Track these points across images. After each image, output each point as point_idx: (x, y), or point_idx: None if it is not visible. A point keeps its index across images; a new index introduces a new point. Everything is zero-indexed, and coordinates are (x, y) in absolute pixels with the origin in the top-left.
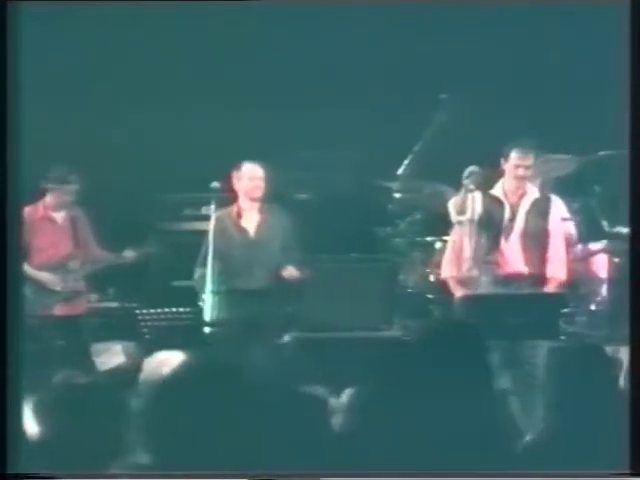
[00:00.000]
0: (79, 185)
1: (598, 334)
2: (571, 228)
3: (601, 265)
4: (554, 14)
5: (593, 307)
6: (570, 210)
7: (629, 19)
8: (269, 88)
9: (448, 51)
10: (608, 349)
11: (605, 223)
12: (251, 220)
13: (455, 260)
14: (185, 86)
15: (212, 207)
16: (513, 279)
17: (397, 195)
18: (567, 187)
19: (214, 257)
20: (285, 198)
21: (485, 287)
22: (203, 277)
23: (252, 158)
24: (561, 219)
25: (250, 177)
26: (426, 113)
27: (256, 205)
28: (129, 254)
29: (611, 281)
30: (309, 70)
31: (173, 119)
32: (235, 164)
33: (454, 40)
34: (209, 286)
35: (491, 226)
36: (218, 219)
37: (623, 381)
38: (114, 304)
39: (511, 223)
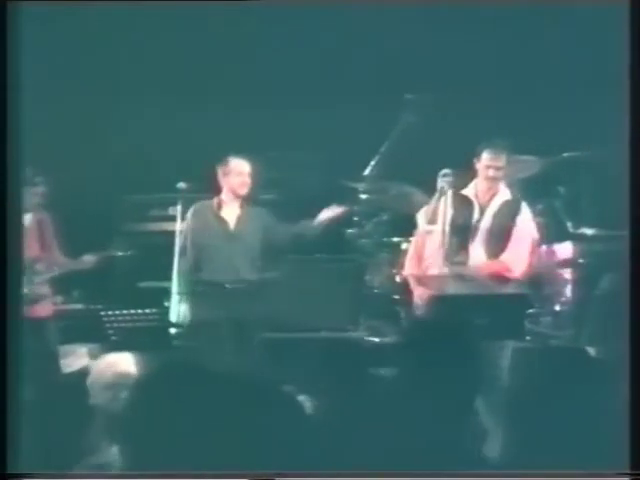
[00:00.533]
0: (45, 187)
1: (563, 334)
2: (536, 229)
3: (565, 266)
4: (539, 14)
5: (558, 308)
6: (535, 211)
7: (628, 19)
8: (235, 89)
9: (418, 51)
10: (572, 349)
11: (570, 224)
12: (232, 214)
13: (417, 260)
14: (154, 86)
15: (179, 207)
16: (478, 279)
17: (363, 196)
18: (532, 188)
19: (192, 251)
20: (252, 198)
21: (450, 287)
22: (179, 272)
23: (218, 158)
24: (530, 222)
25: (238, 172)
26: (393, 113)
27: (238, 201)
28: (93, 257)
29: (575, 282)
30: (276, 70)
31: (142, 119)
32: (222, 159)
33: (425, 39)
34: (176, 286)
35: (460, 226)
36: (196, 213)
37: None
38: (79, 306)
39: (479, 223)
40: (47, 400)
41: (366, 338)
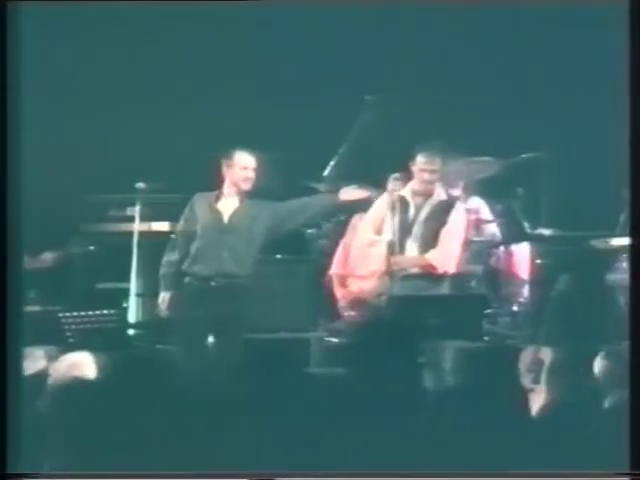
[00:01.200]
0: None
1: (520, 334)
2: (492, 229)
3: (523, 266)
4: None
5: (515, 308)
6: (493, 212)
7: (628, 19)
8: (196, 88)
9: (379, 51)
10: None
11: (527, 225)
12: (229, 207)
13: (344, 260)
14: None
15: (137, 208)
16: (413, 279)
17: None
18: (490, 189)
19: (185, 243)
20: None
21: (388, 287)
22: (171, 264)
23: (177, 159)
24: (460, 221)
25: (243, 166)
26: (353, 114)
27: (238, 196)
28: (50, 256)
29: (533, 282)
30: (237, 71)
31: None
32: (226, 152)
33: (387, 40)
34: (134, 287)
35: (396, 228)
36: (193, 205)
37: (543, 380)
38: (36, 308)
39: (413, 224)
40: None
41: (326, 339)
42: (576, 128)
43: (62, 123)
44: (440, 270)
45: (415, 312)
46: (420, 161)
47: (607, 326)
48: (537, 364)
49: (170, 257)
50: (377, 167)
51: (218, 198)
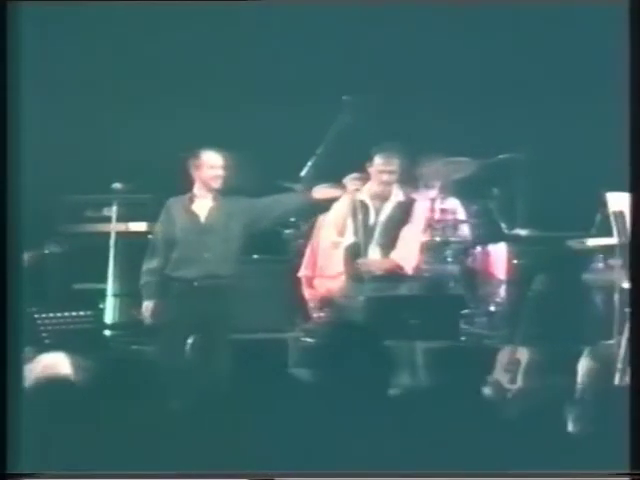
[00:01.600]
0: None
1: (497, 334)
2: (469, 230)
3: (500, 266)
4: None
5: (492, 308)
6: (469, 212)
7: (628, 19)
8: (171, 88)
9: (356, 51)
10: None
11: (504, 225)
12: (204, 207)
13: (312, 261)
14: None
15: (114, 208)
16: (377, 280)
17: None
18: (467, 189)
19: (164, 249)
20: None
21: (352, 288)
22: (151, 272)
23: (157, 158)
24: (420, 220)
25: (211, 165)
26: (331, 114)
27: (211, 195)
28: (27, 256)
29: (510, 282)
30: (214, 71)
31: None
32: (194, 152)
33: (366, 39)
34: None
35: (357, 229)
36: (168, 210)
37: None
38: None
39: (374, 225)
40: None
41: (301, 339)
42: (553, 129)
43: (55, 123)
44: (406, 269)
45: (392, 313)
46: (378, 162)
47: (583, 326)
48: (514, 364)
49: (150, 265)
50: (352, 167)
51: (192, 200)
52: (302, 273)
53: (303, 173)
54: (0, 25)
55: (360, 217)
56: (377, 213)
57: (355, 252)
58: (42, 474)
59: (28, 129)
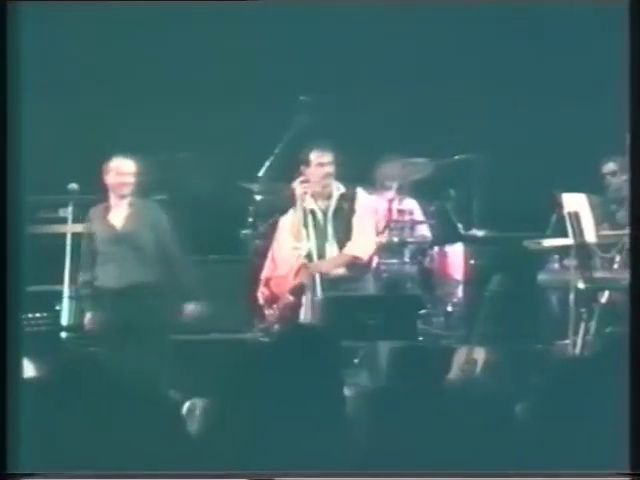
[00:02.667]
0: None
1: (454, 334)
2: (426, 230)
3: (457, 267)
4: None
5: (449, 308)
6: (426, 213)
7: (628, 19)
8: (130, 88)
9: (316, 51)
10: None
11: (460, 226)
12: (119, 216)
13: (272, 263)
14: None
15: (70, 209)
16: (334, 280)
17: (258, 197)
18: (423, 190)
19: (85, 257)
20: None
21: (316, 290)
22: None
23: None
24: (368, 207)
25: (119, 172)
26: (288, 114)
27: (125, 201)
28: None
29: (466, 282)
30: (172, 71)
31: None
32: (104, 159)
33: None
34: (67, 290)
35: (310, 232)
36: (88, 218)
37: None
38: None
39: (325, 223)
40: None
41: (261, 339)
42: (508, 130)
43: (55, 123)
44: (365, 259)
45: (350, 313)
46: (314, 157)
47: (539, 325)
48: (471, 363)
49: (85, 277)
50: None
51: (107, 209)
52: (264, 275)
53: (261, 173)
54: (0, 25)
55: (310, 220)
56: (324, 211)
57: (311, 255)
58: (42, 474)
59: (28, 129)
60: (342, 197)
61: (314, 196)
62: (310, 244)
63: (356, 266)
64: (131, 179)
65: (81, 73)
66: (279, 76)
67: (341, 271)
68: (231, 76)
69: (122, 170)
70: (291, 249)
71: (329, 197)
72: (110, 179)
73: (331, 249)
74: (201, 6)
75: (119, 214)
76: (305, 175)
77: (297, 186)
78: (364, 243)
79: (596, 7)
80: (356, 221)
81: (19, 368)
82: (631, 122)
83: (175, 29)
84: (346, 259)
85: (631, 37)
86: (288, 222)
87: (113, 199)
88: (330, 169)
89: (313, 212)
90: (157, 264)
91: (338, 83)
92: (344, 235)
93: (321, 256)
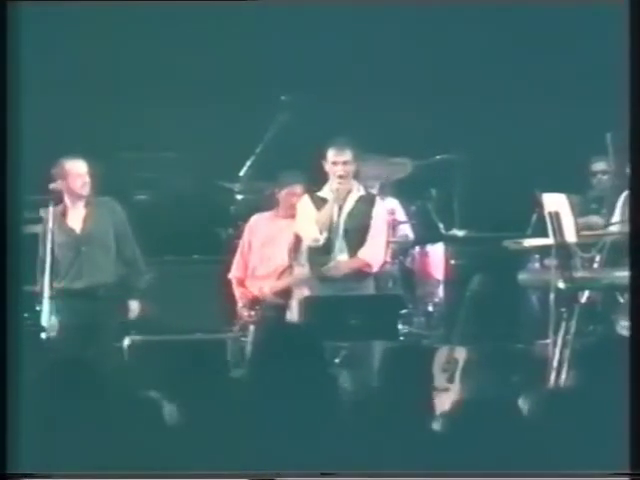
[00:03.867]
0: None
1: (435, 334)
2: (407, 230)
3: (438, 266)
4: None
5: (430, 308)
6: (408, 213)
7: (628, 19)
8: (110, 87)
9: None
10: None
11: (441, 226)
12: (77, 218)
13: (243, 263)
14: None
15: (50, 209)
16: (342, 279)
17: (239, 196)
18: (405, 190)
19: (48, 259)
20: (126, 198)
21: (317, 289)
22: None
23: (96, 157)
24: (384, 215)
25: (75, 174)
26: (269, 114)
27: (81, 202)
28: None
29: (447, 282)
30: (148, 70)
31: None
32: (57, 162)
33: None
34: (45, 291)
35: (320, 228)
36: (46, 221)
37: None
38: None
39: (337, 223)
40: None
41: (242, 339)
42: (489, 130)
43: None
44: (375, 266)
45: (332, 313)
46: (331, 155)
47: (520, 325)
48: (452, 363)
49: (56, 283)
50: (293, 166)
51: (64, 212)
52: (232, 274)
53: (242, 173)
54: (0, 25)
55: (324, 216)
56: (339, 209)
57: (324, 250)
58: (42, 474)
59: (28, 128)
60: (361, 199)
61: (332, 190)
62: (321, 240)
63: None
64: (87, 179)
65: (80, 73)
66: (261, 76)
67: (331, 272)
68: (213, 76)
69: (79, 171)
70: (310, 239)
71: (347, 196)
72: (69, 182)
73: (338, 248)
74: (185, 6)
75: (77, 215)
76: (324, 172)
77: (308, 182)
78: (377, 252)
79: (595, 7)
80: (372, 228)
81: (19, 368)
82: (631, 122)
83: (156, 29)
84: (359, 264)
85: (631, 37)
86: (299, 218)
87: (70, 202)
88: (349, 167)
89: (329, 206)
90: (118, 264)
91: (317, 82)
92: (356, 238)
93: (330, 250)
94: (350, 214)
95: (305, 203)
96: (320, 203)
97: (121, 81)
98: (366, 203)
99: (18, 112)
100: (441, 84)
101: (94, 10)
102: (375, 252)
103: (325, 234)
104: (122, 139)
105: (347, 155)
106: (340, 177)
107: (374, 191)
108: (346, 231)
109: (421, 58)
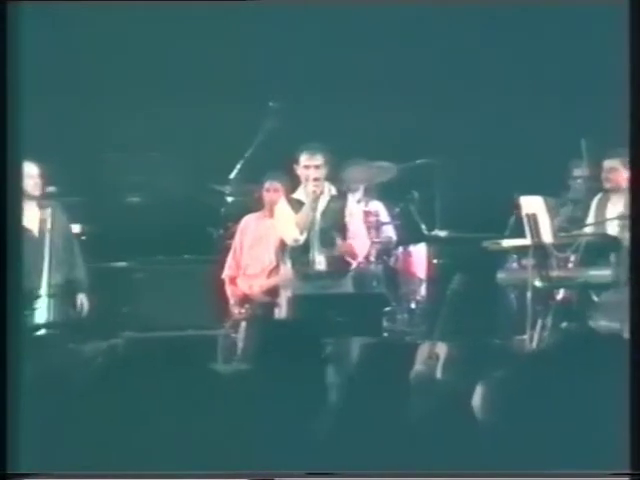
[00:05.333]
0: None
1: (417, 330)
2: (390, 231)
3: (420, 266)
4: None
5: (413, 306)
6: (391, 214)
7: (628, 19)
8: (99, 88)
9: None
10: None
11: (424, 227)
12: (33, 220)
13: (234, 262)
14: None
15: (49, 211)
16: (320, 277)
17: (229, 198)
18: (389, 192)
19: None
20: (118, 200)
21: (298, 288)
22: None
23: (84, 157)
24: (358, 210)
25: (28, 175)
26: (258, 119)
27: (34, 204)
28: None
29: (429, 281)
30: (142, 72)
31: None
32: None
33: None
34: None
35: (300, 228)
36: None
37: (440, 374)
38: None
39: (314, 224)
40: None
41: (233, 335)
42: (469, 134)
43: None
44: (359, 255)
45: (319, 311)
46: (303, 159)
47: (498, 321)
48: (433, 358)
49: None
50: (281, 169)
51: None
52: (225, 273)
53: (232, 175)
54: (0, 25)
55: (301, 216)
56: (314, 211)
57: (305, 249)
58: (42, 474)
59: (28, 128)
60: (332, 199)
61: (305, 194)
62: (300, 239)
63: (334, 266)
64: (39, 180)
65: (80, 72)
66: (252, 79)
67: (312, 270)
68: (204, 78)
69: (30, 173)
70: (291, 240)
71: (319, 197)
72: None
73: (316, 248)
74: (185, 6)
75: (34, 216)
76: (296, 175)
77: (284, 185)
78: (359, 242)
79: (596, 7)
80: (352, 224)
81: (19, 368)
82: (631, 122)
83: (152, 31)
84: (343, 251)
85: (631, 37)
86: (279, 218)
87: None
88: (321, 170)
89: (304, 206)
90: (65, 265)
91: (304, 87)
92: (337, 237)
93: (311, 250)
94: (324, 214)
95: (282, 205)
96: (297, 205)
97: (114, 83)
98: (339, 201)
99: (18, 112)
100: (423, 88)
101: (96, 10)
102: (357, 244)
103: (305, 234)
104: (115, 140)
105: (319, 159)
106: (313, 180)
107: (344, 190)
108: (323, 230)
109: (403, 62)
